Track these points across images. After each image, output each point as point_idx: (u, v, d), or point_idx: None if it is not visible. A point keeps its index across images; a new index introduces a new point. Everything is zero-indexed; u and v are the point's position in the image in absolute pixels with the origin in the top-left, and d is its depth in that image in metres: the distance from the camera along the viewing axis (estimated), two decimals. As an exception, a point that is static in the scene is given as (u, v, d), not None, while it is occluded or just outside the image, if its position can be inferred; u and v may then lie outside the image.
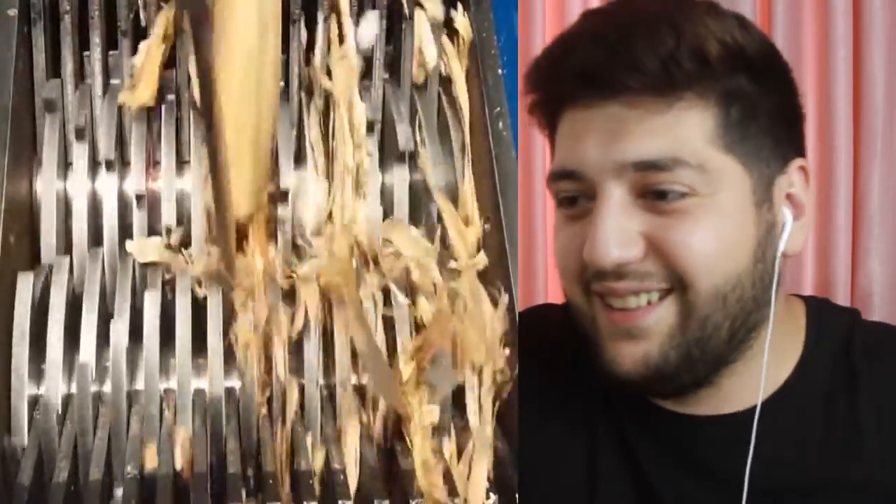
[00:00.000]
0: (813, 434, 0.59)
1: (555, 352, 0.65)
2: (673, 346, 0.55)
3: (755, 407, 0.58)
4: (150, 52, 0.70)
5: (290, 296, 0.68)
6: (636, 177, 0.54)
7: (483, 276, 0.70)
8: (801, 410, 0.59)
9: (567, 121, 0.57)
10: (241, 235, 0.68)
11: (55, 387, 0.62)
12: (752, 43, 0.55)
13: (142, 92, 0.70)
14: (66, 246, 0.70)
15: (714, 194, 0.54)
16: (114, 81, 0.74)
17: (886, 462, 0.58)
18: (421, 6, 0.76)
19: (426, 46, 0.76)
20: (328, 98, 0.75)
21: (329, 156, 0.74)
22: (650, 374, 0.55)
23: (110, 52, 0.74)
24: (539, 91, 0.59)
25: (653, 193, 0.54)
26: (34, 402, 0.63)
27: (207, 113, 0.54)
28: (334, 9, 0.75)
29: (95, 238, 0.70)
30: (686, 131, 0.54)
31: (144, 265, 0.69)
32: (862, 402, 0.59)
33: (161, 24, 0.71)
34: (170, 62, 0.73)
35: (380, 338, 0.68)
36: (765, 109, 0.56)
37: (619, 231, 0.54)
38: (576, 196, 0.57)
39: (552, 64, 0.57)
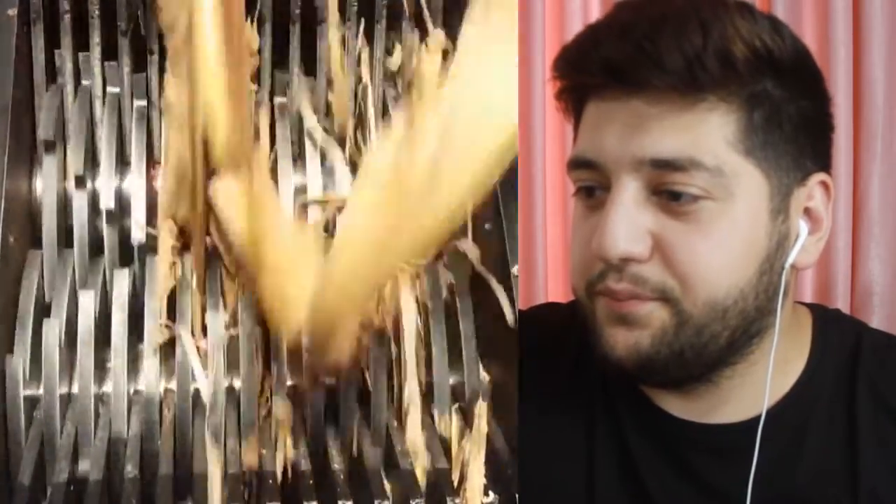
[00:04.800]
0: (812, 447, 0.58)
1: (556, 351, 0.65)
2: (665, 343, 0.54)
3: (756, 417, 0.58)
4: None
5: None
6: (652, 174, 0.53)
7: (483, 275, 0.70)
8: (802, 422, 0.59)
9: (591, 111, 0.57)
10: None
11: (55, 387, 0.62)
12: (781, 47, 0.54)
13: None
14: (66, 246, 0.70)
15: (729, 199, 0.53)
16: (112, 90, 0.74)
17: (885, 477, 0.57)
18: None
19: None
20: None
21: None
22: (641, 362, 0.55)
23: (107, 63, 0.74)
24: (565, 80, 0.58)
25: (667, 193, 0.53)
26: (34, 402, 0.63)
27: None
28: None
29: (95, 238, 0.70)
30: (706, 132, 0.53)
31: (144, 265, 0.69)
32: (863, 416, 0.58)
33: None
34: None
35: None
36: (790, 116, 0.55)
37: (629, 224, 0.53)
38: (593, 187, 0.56)
39: (579, 53, 0.56)
